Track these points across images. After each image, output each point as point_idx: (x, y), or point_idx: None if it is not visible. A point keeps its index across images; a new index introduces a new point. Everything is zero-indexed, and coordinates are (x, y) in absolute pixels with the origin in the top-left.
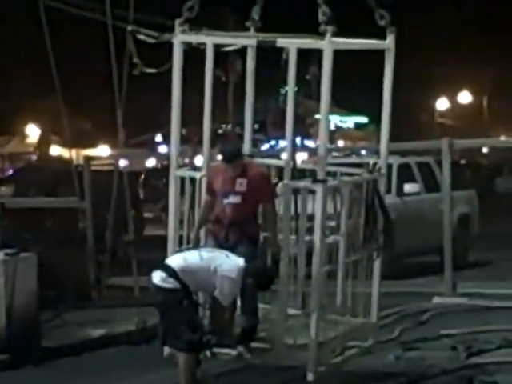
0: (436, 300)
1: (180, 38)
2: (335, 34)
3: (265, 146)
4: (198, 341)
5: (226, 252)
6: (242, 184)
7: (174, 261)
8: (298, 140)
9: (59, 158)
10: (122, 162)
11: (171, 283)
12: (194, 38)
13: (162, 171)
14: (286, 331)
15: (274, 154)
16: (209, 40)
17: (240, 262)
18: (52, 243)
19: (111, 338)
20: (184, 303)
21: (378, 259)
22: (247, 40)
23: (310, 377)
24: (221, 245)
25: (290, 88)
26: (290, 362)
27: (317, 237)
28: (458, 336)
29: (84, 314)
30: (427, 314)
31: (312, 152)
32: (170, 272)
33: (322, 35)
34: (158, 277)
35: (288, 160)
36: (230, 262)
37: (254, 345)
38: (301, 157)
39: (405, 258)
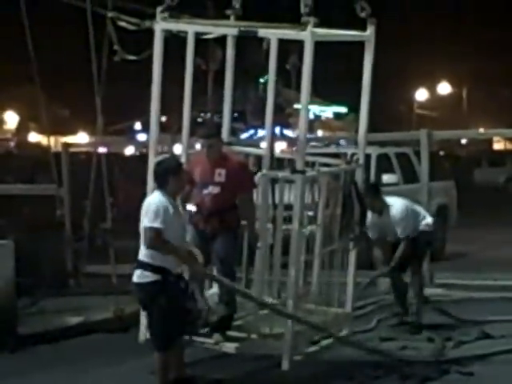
0: None
1: (161, 26)
2: (316, 25)
3: (244, 135)
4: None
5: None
6: (220, 174)
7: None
8: (278, 129)
9: (37, 145)
10: (101, 150)
11: (148, 276)
12: (175, 26)
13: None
14: (261, 320)
15: (253, 143)
16: (190, 28)
17: None
18: (29, 230)
19: (88, 325)
20: (162, 297)
21: (354, 250)
22: (228, 29)
23: (284, 365)
24: (201, 234)
25: (271, 78)
26: (265, 350)
27: (294, 227)
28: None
29: (61, 302)
30: None
31: (291, 141)
32: (145, 266)
33: (303, 25)
34: (135, 276)
35: (267, 149)
36: None
37: (229, 333)
38: (280, 146)
39: None
